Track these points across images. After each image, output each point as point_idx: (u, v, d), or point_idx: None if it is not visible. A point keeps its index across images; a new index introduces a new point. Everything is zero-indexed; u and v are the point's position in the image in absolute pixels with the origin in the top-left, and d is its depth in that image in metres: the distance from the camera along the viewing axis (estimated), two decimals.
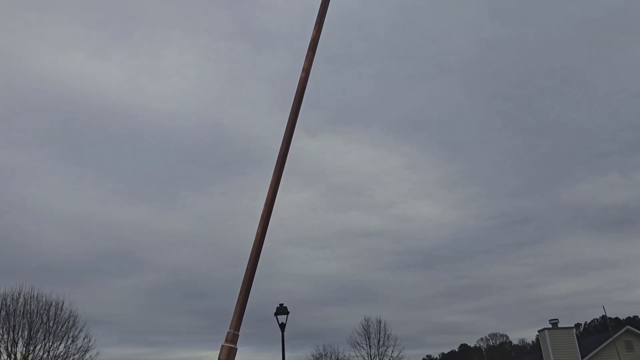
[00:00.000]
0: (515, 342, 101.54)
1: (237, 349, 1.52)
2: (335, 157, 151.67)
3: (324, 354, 63.90)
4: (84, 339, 34.97)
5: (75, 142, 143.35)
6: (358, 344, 60.74)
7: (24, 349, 31.63)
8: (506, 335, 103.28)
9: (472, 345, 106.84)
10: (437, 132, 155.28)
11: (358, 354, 65.15)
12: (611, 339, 31.32)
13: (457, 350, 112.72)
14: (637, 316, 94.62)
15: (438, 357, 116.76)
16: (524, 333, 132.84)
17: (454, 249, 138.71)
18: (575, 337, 33.09)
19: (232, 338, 1.51)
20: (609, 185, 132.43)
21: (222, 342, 1.48)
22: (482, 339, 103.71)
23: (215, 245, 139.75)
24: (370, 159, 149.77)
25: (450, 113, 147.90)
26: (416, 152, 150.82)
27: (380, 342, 58.05)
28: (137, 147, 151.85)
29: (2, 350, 31.06)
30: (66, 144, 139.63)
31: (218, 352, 1.48)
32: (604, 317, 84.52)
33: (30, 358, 31.45)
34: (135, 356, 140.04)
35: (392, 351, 58.51)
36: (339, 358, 63.61)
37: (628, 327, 34.55)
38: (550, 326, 33.06)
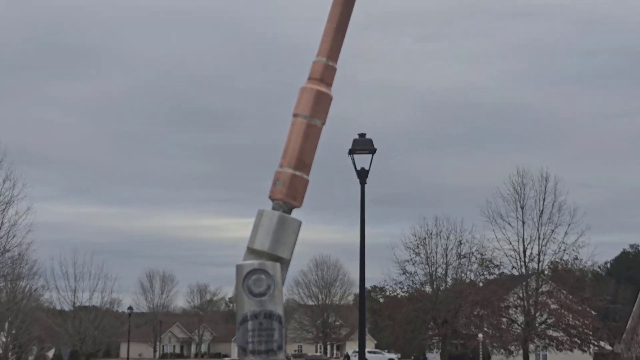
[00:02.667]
0: None
1: (332, 96, 0.95)
2: None
3: (437, 231, 37.65)
4: (4, 181, 22.79)
5: None
6: (501, 217, 33.45)
7: None
8: None
9: None
10: None
11: (501, 234, 34.28)
12: None
13: None
14: None
15: None
16: None
17: None
18: None
19: (323, 74, 0.87)
20: None
21: (259, 207, 1.09)
22: None
23: (228, 29, 71.53)
24: None
25: None
26: None
27: (545, 214, 33.22)
28: None
29: None
30: None
31: (254, 216, 1.12)
32: None
33: None
34: (96, 219, 74.31)
35: (566, 233, 33.27)
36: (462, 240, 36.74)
37: None
38: None
